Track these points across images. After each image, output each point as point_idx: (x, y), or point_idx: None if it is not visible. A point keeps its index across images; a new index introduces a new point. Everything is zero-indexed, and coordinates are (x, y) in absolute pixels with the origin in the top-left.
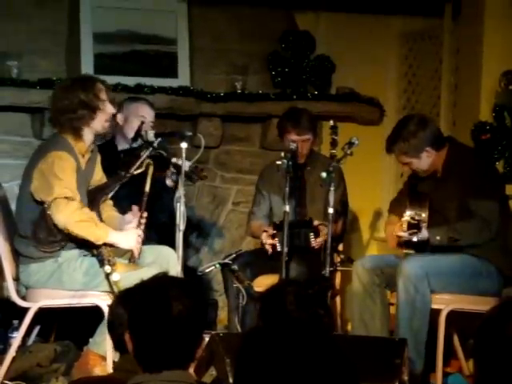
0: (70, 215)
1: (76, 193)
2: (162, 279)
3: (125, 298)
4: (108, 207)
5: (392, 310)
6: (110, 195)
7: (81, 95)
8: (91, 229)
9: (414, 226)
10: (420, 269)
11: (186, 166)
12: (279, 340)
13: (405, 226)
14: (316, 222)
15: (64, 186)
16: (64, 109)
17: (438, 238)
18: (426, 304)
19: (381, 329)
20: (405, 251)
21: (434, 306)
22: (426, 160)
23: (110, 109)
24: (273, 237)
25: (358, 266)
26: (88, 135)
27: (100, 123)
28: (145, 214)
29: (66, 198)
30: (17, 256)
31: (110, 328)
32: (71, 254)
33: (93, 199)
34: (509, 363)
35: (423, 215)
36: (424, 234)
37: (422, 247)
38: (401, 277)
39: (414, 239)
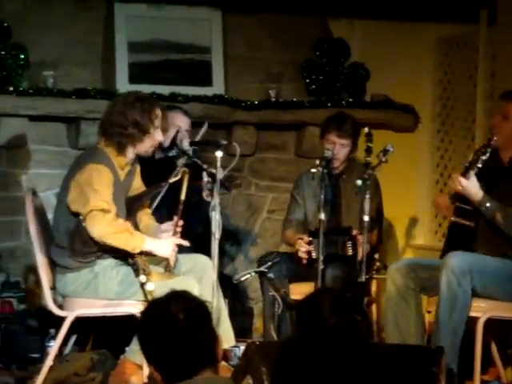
0: (106, 228)
1: (112, 205)
2: (155, 302)
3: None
4: (146, 216)
5: (430, 317)
6: (154, 205)
7: (137, 115)
8: (127, 239)
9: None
10: (464, 263)
11: (220, 174)
12: (316, 348)
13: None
14: (355, 232)
15: (100, 199)
16: (117, 122)
17: (488, 204)
18: (467, 299)
19: (415, 333)
20: (452, 218)
21: (472, 314)
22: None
23: (159, 136)
24: (309, 244)
25: (392, 270)
26: (130, 153)
27: (145, 147)
28: (180, 223)
29: (102, 210)
30: (53, 265)
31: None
32: (107, 264)
33: (130, 208)
34: None
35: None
36: (479, 192)
37: (469, 213)
38: (444, 269)
39: (471, 178)
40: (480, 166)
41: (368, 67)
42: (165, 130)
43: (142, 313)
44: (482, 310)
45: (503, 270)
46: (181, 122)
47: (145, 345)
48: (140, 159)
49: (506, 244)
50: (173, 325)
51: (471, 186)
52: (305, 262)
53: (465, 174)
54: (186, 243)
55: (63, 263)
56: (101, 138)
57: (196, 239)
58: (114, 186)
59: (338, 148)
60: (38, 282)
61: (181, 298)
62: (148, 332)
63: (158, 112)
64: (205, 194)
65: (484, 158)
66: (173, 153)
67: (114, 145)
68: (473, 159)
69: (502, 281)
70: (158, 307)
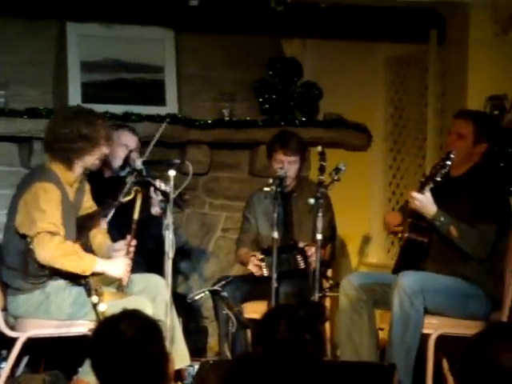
0: (54, 251)
1: (60, 227)
2: (105, 321)
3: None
4: (100, 235)
5: (382, 334)
6: (105, 222)
7: (82, 128)
8: (76, 262)
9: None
10: (416, 283)
11: (173, 193)
12: (265, 365)
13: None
14: (301, 244)
15: (47, 221)
16: (62, 137)
17: (442, 218)
18: (419, 319)
19: (368, 345)
20: (406, 234)
21: (424, 331)
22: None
23: (105, 149)
24: (261, 261)
25: (345, 282)
26: (78, 168)
27: (92, 159)
28: (134, 242)
29: (49, 232)
30: (5, 287)
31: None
32: (59, 284)
33: (81, 227)
34: None
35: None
36: (433, 207)
37: (423, 229)
38: (396, 290)
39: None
40: (439, 179)
41: (320, 86)
42: (108, 140)
43: (92, 331)
44: (433, 327)
45: (454, 289)
46: (128, 140)
47: (95, 363)
48: (89, 179)
49: (457, 261)
50: (121, 342)
51: (426, 201)
52: (257, 275)
53: (420, 190)
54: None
55: (14, 285)
56: (46, 156)
57: (149, 257)
58: (63, 204)
59: (287, 166)
60: None
61: (131, 317)
62: (97, 350)
63: (102, 123)
64: (153, 210)
65: (443, 171)
66: (125, 172)
67: (61, 161)
68: (430, 173)
69: (452, 299)
70: (107, 325)
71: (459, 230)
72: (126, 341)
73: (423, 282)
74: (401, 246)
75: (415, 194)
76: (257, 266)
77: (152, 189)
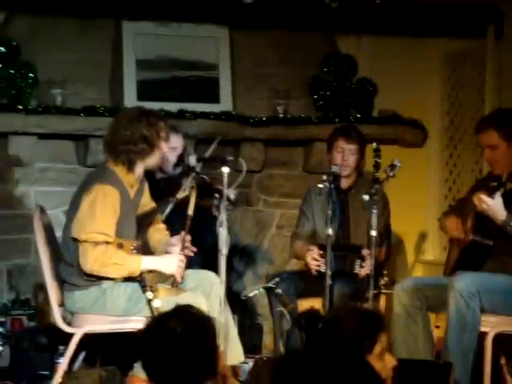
0: (92, 264)
1: (109, 234)
2: (156, 317)
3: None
4: (157, 232)
5: (439, 332)
6: (162, 218)
7: (144, 130)
8: (117, 271)
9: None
10: (472, 285)
11: (229, 192)
12: (315, 364)
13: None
14: (365, 252)
15: (95, 230)
16: (125, 139)
17: None
18: (476, 321)
19: (424, 352)
20: (471, 237)
21: (481, 329)
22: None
23: (165, 148)
24: (320, 256)
25: (398, 289)
26: (139, 169)
27: (154, 160)
28: (188, 238)
29: (94, 242)
30: (62, 282)
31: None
32: (115, 281)
33: (140, 224)
34: None
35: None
36: (504, 212)
37: (488, 232)
38: (452, 292)
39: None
40: None
41: (375, 83)
42: (167, 140)
43: (143, 328)
44: (490, 325)
45: (509, 288)
46: (175, 142)
47: (144, 359)
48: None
49: None
50: (170, 339)
51: (496, 206)
52: (315, 273)
53: (490, 194)
54: (193, 249)
55: (71, 281)
56: (108, 157)
57: (206, 253)
58: (123, 205)
59: (347, 154)
60: (47, 300)
61: (180, 313)
62: (147, 346)
63: (162, 124)
64: (214, 211)
65: None
66: (179, 170)
67: (123, 162)
68: (507, 179)
69: (509, 298)
70: (156, 322)
71: None
72: (175, 337)
73: (478, 283)
74: (462, 248)
75: (486, 198)
76: (314, 260)
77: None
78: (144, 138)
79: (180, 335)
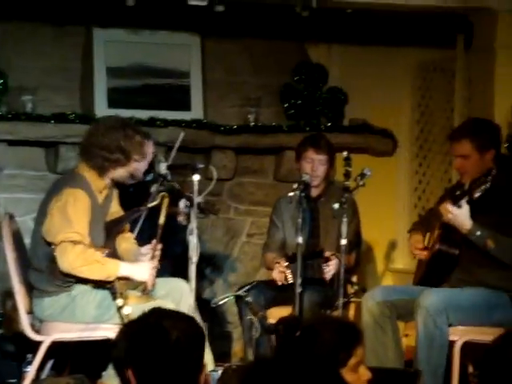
0: (73, 261)
1: (84, 235)
2: (154, 312)
3: (127, 332)
4: (126, 240)
5: (408, 340)
6: (137, 230)
7: (122, 141)
8: (98, 270)
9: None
10: (439, 302)
11: (198, 199)
12: (285, 372)
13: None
14: (327, 253)
15: (71, 230)
16: (101, 145)
17: (478, 232)
18: (444, 338)
19: (393, 360)
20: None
21: (449, 338)
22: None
23: (137, 165)
24: (286, 268)
25: (367, 299)
26: (109, 178)
27: (125, 173)
28: (159, 246)
29: (72, 242)
30: (31, 289)
31: (115, 363)
32: (84, 287)
33: (109, 232)
34: None
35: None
36: (469, 221)
37: (454, 241)
38: (420, 310)
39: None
40: (478, 195)
41: (346, 92)
42: (143, 158)
43: (128, 325)
44: (458, 334)
45: (477, 301)
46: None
47: (129, 357)
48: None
49: (481, 269)
50: (165, 343)
51: (461, 216)
52: (279, 283)
53: (455, 203)
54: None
55: (41, 287)
56: (81, 161)
57: (175, 261)
58: (92, 210)
59: (317, 165)
60: (15, 307)
61: (176, 317)
62: (136, 346)
63: (139, 139)
64: (181, 218)
65: (483, 187)
66: (150, 177)
67: (95, 167)
68: (470, 187)
69: (477, 311)
70: (150, 325)
71: (496, 241)
72: (170, 342)
73: (446, 300)
74: (429, 257)
75: (451, 208)
76: (281, 273)
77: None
78: (120, 148)
79: (175, 340)
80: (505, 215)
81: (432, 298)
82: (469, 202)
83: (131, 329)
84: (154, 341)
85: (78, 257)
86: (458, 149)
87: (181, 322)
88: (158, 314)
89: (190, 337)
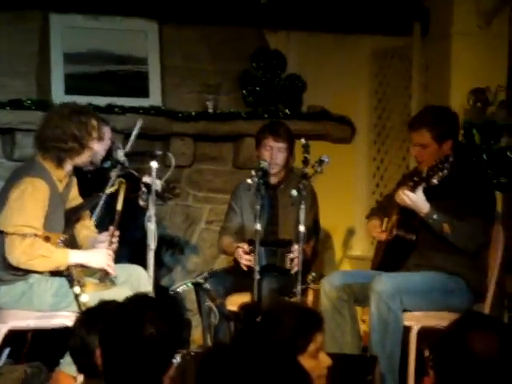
0: (19, 256)
1: (37, 227)
2: (140, 299)
3: (88, 319)
4: (84, 228)
5: (365, 326)
6: (95, 216)
7: (74, 129)
8: (43, 263)
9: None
10: (392, 287)
11: (157, 184)
12: (242, 358)
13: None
14: (295, 247)
15: (23, 222)
16: (55, 137)
17: (435, 216)
18: (398, 323)
19: (352, 344)
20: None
21: (405, 323)
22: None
23: (96, 147)
24: (249, 252)
25: (324, 283)
26: (68, 166)
27: (84, 159)
28: (117, 233)
29: (21, 235)
30: None
31: (72, 351)
32: (41, 275)
33: (67, 219)
34: (468, 375)
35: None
36: (426, 205)
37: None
38: (373, 295)
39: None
40: (436, 182)
41: (304, 79)
42: (100, 139)
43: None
44: (414, 320)
45: (431, 285)
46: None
47: (109, 333)
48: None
49: (438, 255)
50: (137, 334)
51: (419, 200)
52: (245, 268)
53: (412, 188)
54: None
55: None
56: (37, 151)
57: (133, 247)
58: (52, 198)
59: (276, 153)
60: None
61: (159, 313)
62: (108, 331)
63: (94, 122)
64: (141, 201)
65: (441, 174)
66: (108, 164)
67: (52, 159)
68: (427, 174)
69: (431, 296)
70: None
71: (452, 227)
72: (143, 336)
73: (399, 285)
74: (386, 242)
75: (408, 193)
76: (245, 255)
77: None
78: (74, 137)
79: (148, 336)
80: (460, 201)
81: (384, 283)
82: (426, 189)
83: (111, 310)
84: (128, 329)
85: (24, 252)
86: (417, 138)
87: (161, 319)
88: (145, 303)
89: (164, 337)
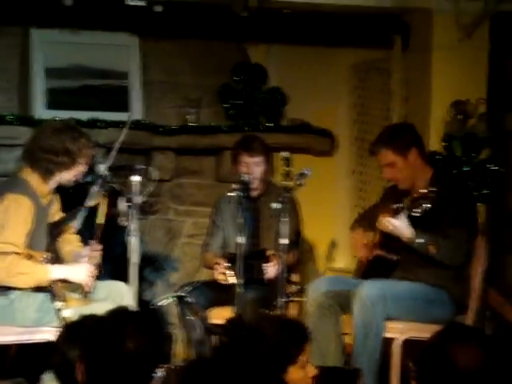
0: (0, 272)
1: (18, 244)
2: (121, 313)
3: (69, 334)
4: (69, 243)
5: (348, 338)
6: (76, 229)
7: (67, 143)
8: (23, 280)
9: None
10: (376, 292)
11: (138, 199)
12: (225, 371)
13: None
14: (269, 252)
15: (4, 240)
16: (47, 148)
17: (420, 240)
18: (380, 327)
19: (334, 351)
20: (377, 252)
21: (389, 335)
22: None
23: (82, 167)
24: (227, 268)
25: (311, 288)
26: (53, 182)
27: (70, 176)
28: (98, 247)
29: (3, 253)
30: None
31: (54, 367)
32: (23, 291)
33: (49, 234)
34: None
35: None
36: (410, 230)
37: (394, 248)
38: (357, 299)
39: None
40: (418, 214)
41: (285, 92)
42: (88, 159)
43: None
44: (399, 331)
45: (415, 294)
46: None
47: (90, 347)
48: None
49: (420, 268)
50: (118, 347)
51: (401, 226)
52: (224, 283)
53: (394, 215)
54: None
55: None
56: (24, 164)
57: (115, 262)
58: (36, 215)
59: (253, 168)
60: None
61: (140, 328)
62: (90, 344)
63: (85, 142)
64: (121, 218)
65: (424, 207)
66: (90, 178)
67: (40, 172)
68: (410, 205)
69: (414, 304)
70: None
71: (438, 246)
72: (123, 349)
73: (383, 290)
74: (369, 261)
75: (390, 220)
76: (222, 273)
77: (119, 197)
78: (66, 151)
79: (128, 350)
80: (443, 215)
81: (369, 288)
82: (408, 217)
83: (93, 324)
84: (109, 343)
85: (3, 270)
86: (382, 159)
87: (142, 333)
88: (125, 317)
89: (145, 351)
